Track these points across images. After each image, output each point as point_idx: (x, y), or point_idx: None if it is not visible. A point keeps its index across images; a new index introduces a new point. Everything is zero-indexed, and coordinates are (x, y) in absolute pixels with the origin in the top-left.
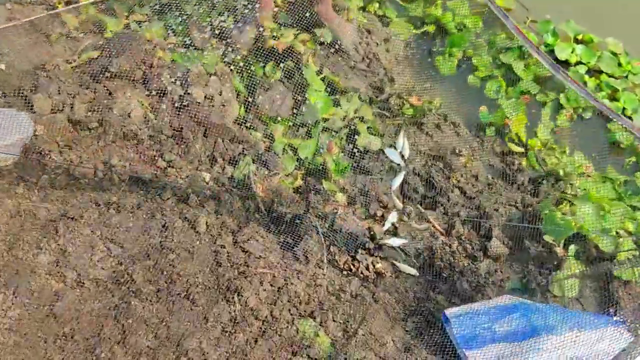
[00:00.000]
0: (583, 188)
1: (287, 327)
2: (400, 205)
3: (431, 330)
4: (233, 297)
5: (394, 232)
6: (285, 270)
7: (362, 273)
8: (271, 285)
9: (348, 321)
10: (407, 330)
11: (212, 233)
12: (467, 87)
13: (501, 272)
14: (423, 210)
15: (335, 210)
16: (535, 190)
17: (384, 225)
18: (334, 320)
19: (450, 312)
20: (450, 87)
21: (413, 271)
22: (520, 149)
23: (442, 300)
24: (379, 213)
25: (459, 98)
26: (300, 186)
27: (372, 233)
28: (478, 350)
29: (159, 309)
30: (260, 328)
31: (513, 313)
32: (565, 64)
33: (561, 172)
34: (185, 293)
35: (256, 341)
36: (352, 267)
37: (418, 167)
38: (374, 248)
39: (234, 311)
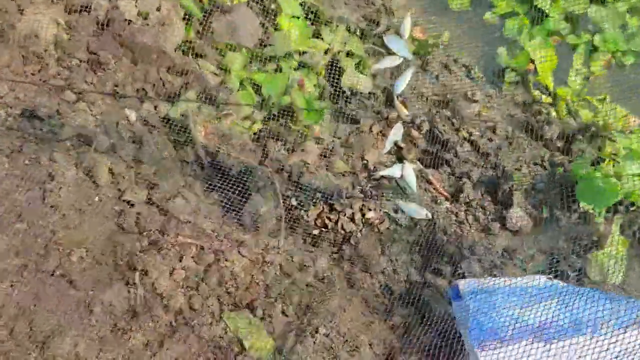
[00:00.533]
0: (627, 146)
1: (212, 323)
2: (405, 112)
3: (427, 328)
4: (134, 279)
5: (397, 155)
6: (221, 240)
7: (343, 229)
8: (196, 262)
9: (305, 314)
10: (392, 328)
11: (120, 186)
12: (482, 26)
13: (523, 249)
14: (422, 168)
15: (301, 162)
16: (567, 147)
17: (384, 146)
18: (284, 314)
19: (464, 284)
20: (462, 24)
21: (423, 213)
22: (548, 99)
23: (444, 285)
24: (377, 130)
25: (473, 37)
26: (260, 131)
27: (364, 162)
28: (497, 350)
29: (22, 294)
30: (171, 324)
31: (550, 299)
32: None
33: (601, 123)
34: (63, 271)
35: (161, 344)
36: (327, 221)
37: (419, 114)
38: (368, 188)
39: (134, 299)
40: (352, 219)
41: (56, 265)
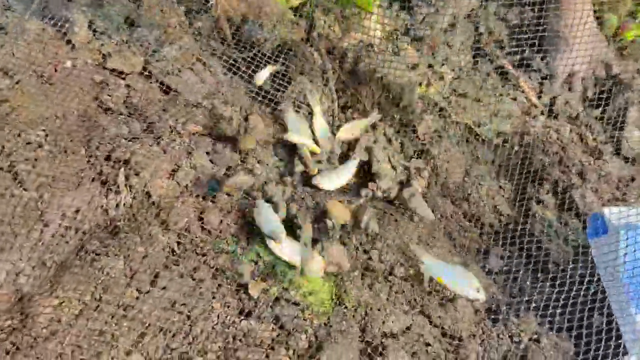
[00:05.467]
0: None
1: (235, 251)
2: None
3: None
4: (117, 178)
5: None
6: None
7: None
8: (212, 160)
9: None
10: (489, 273)
11: (104, 49)
12: None
13: None
14: (511, 70)
15: (360, 43)
16: None
17: None
18: (344, 244)
19: (612, 214)
20: None
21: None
22: None
23: (552, 217)
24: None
25: None
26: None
27: None
28: None
29: None
30: (172, 250)
31: None
32: None
33: None
34: (8, 160)
35: (155, 278)
36: None
37: None
38: None
39: (114, 208)
40: None
41: None
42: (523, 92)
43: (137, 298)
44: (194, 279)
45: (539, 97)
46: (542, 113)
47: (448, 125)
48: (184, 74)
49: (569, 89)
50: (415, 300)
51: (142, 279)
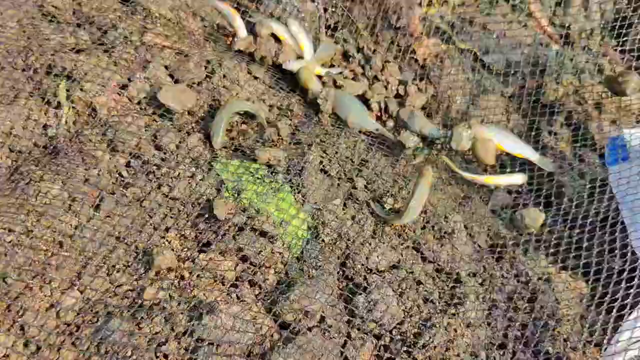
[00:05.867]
0: None
1: (193, 175)
2: None
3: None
4: (57, 92)
5: None
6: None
7: None
8: (172, 74)
9: None
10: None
11: None
12: None
13: None
14: None
15: None
16: None
17: None
18: None
19: (637, 137)
20: None
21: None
22: None
23: (566, 146)
24: None
25: None
26: None
27: None
28: None
29: None
30: (118, 174)
31: None
32: None
33: None
34: None
35: (99, 202)
36: None
37: None
38: None
39: (55, 125)
40: None
41: None
42: (535, 19)
43: (77, 227)
44: (144, 207)
45: (553, 25)
46: (555, 41)
47: (452, 52)
48: None
49: (585, 16)
50: (406, 233)
51: (83, 205)
